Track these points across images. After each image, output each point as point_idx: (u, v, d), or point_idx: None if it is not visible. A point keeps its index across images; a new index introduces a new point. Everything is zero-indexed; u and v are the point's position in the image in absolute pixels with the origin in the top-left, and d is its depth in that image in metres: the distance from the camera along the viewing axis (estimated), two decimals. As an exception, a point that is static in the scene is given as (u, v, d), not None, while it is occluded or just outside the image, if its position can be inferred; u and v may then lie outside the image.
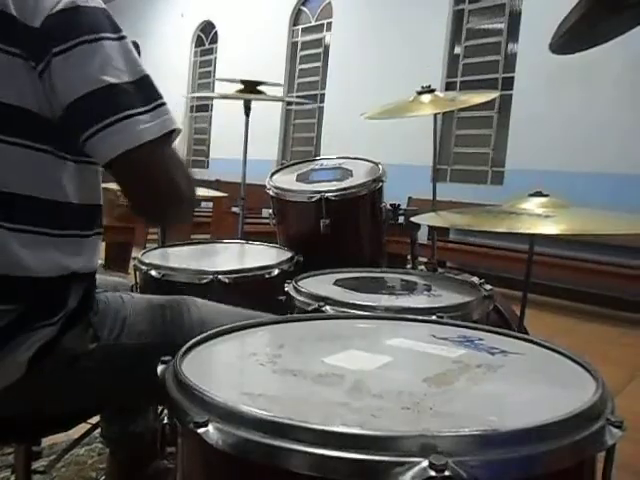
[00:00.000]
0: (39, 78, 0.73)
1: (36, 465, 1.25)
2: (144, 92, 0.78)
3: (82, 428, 1.15)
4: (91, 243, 0.86)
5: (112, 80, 0.74)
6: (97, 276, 0.89)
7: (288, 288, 1.16)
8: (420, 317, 0.89)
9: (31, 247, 0.77)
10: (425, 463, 0.43)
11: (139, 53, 0.82)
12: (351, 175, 1.61)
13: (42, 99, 0.74)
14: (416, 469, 0.43)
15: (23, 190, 0.76)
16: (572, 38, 0.69)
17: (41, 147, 0.76)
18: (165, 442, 1.20)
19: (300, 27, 8.33)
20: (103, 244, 3.60)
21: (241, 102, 2.18)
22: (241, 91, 2.03)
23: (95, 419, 1.20)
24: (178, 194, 0.84)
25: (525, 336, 0.79)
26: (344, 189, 1.51)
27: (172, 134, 0.80)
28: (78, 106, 0.74)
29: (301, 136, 8.21)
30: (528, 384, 0.64)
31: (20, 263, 0.76)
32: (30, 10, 0.72)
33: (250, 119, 2.22)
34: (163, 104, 0.79)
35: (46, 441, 1.45)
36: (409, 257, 1.75)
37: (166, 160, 0.82)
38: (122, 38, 0.78)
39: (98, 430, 1.29)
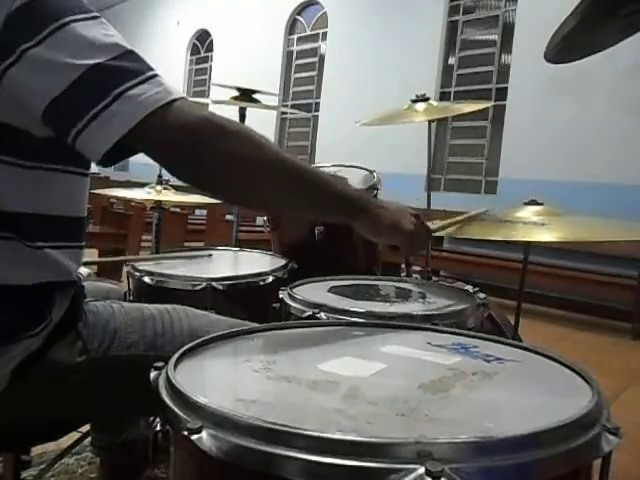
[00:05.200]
0: None
1: (25, 474, 1.23)
2: (132, 66, 0.70)
3: (72, 437, 1.13)
4: (65, 255, 0.81)
5: (91, 62, 0.67)
6: (88, 283, 0.87)
7: (283, 295, 1.15)
8: (415, 324, 0.89)
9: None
10: (421, 470, 0.42)
11: None
12: (346, 183, 1.61)
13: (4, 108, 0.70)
14: (412, 476, 0.42)
15: None
16: (567, 47, 0.69)
17: None
18: (157, 450, 1.20)
19: (295, 36, 8.38)
20: (96, 251, 3.58)
21: (236, 110, 2.18)
22: (236, 98, 2.03)
23: (85, 427, 1.19)
24: (214, 125, 0.73)
25: (520, 343, 0.79)
26: (339, 197, 1.51)
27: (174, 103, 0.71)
28: (62, 101, 0.68)
29: (296, 144, 8.23)
30: (524, 391, 0.64)
31: None
32: None
33: (245, 127, 2.22)
34: (155, 75, 0.71)
35: (35, 450, 1.43)
36: (403, 266, 1.75)
37: (178, 116, 0.70)
38: (94, 17, 0.71)
39: (88, 439, 1.27)
